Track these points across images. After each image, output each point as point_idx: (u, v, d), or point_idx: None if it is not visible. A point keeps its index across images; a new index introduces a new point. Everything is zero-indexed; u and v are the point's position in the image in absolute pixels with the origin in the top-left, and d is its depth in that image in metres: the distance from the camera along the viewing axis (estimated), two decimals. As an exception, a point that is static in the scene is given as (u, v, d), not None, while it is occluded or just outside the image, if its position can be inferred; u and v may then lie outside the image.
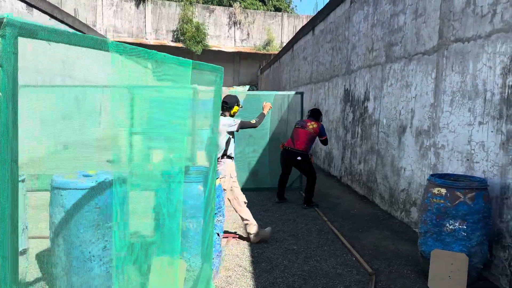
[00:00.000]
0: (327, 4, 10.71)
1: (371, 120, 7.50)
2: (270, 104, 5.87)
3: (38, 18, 11.03)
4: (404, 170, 6.05)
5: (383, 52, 6.99)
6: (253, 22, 29.98)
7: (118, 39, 26.74)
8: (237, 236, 5.22)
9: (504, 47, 4.02)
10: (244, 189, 8.07)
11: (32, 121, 6.97)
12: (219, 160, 4.96)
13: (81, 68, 13.76)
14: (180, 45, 28.23)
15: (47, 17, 11.68)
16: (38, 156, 6.51)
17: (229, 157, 5.08)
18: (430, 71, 5.41)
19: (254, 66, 30.98)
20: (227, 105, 5.15)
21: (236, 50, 29.78)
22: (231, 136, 5.07)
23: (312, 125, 6.74)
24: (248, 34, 29.99)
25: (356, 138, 8.33)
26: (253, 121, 5.33)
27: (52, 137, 8.29)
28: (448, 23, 5.02)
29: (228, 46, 29.67)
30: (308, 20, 15.88)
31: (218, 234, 3.73)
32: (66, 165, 5.76)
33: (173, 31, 28.74)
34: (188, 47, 27.57)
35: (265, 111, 5.65)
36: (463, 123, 4.64)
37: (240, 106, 5.32)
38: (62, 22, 12.70)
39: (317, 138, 6.95)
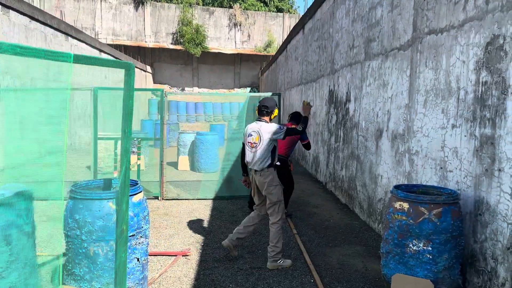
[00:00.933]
0: (315, 0, 10.17)
1: (351, 123, 6.93)
2: (309, 102, 5.39)
3: (16, 20, 10.67)
4: (381, 177, 5.48)
5: (362, 49, 6.43)
6: (254, 23, 29.51)
7: (117, 43, 26.54)
8: (189, 253, 4.69)
9: (478, 38, 3.45)
10: (217, 198, 7.66)
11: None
12: (263, 170, 4.44)
13: None
14: (179, 47, 27.86)
15: (27, 19, 11.33)
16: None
17: (276, 166, 4.58)
18: (405, 68, 4.85)
19: (255, 68, 30.50)
20: (267, 109, 4.58)
21: (237, 52, 29.32)
22: (275, 144, 4.56)
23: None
24: (248, 36, 29.52)
25: (338, 142, 7.76)
26: (299, 128, 4.77)
27: None
28: (422, 13, 4.46)
29: (228, 48, 29.23)
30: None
31: (138, 259, 3.21)
32: None
33: (173, 34, 28.40)
34: (187, 50, 27.19)
35: (305, 112, 4.87)
36: (436, 126, 4.07)
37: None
38: (45, 24, 12.35)
39: (299, 142, 6.37)
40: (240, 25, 29.31)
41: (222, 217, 6.25)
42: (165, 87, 28.42)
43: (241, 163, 4.83)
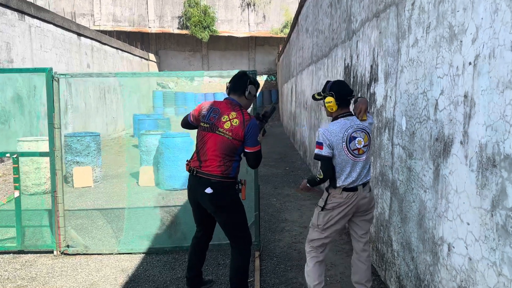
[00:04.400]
0: None
1: (380, 119, 3.83)
2: (366, 104, 3.17)
3: None
4: (450, 249, 2.40)
5: (399, -24, 3.30)
6: (270, 2, 26.25)
7: (117, 29, 23.96)
8: None
9: None
10: (153, 253, 4.35)
11: None
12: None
13: None
14: (185, 32, 25.03)
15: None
16: None
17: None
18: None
19: (272, 53, 27.32)
20: None
21: (250, 35, 26.20)
22: None
23: (230, 121, 3.16)
24: (264, 17, 26.32)
25: (359, 150, 4.66)
26: None
27: None
28: None
29: (241, 31, 26.15)
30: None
31: None
32: None
33: (179, 17, 25.58)
34: (193, 34, 24.31)
35: (361, 116, 3.13)
36: None
37: None
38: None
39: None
40: (254, 5, 26.14)
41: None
42: (173, 78, 25.72)
43: None
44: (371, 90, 4.15)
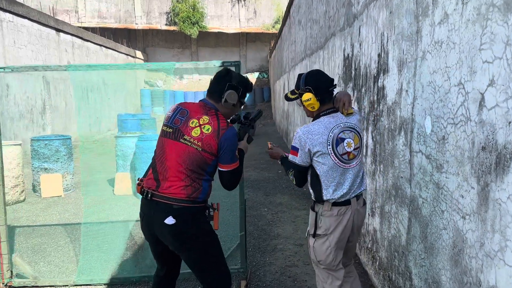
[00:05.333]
0: None
1: (393, 119, 3.10)
2: (348, 96, 2.61)
3: None
4: (511, 307, 1.67)
5: None
6: (260, -3, 25.49)
7: (103, 26, 23.13)
8: None
9: None
10: (118, 283, 3.54)
11: None
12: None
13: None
14: (174, 28, 24.19)
15: None
16: None
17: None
18: None
19: (264, 50, 26.56)
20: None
21: (241, 31, 25.42)
22: None
23: (201, 127, 2.38)
24: (255, 12, 25.54)
25: (363, 155, 3.95)
26: None
27: None
28: None
29: (232, 27, 25.35)
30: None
31: None
32: None
33: (167, 13, 24.72)
34: (182, 30, 23.48)
35: (346, 110, 2.58)
36: None
37: None
38: None
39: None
40: (244, 0, 25.35)
41: None
42: (161, 75, 24.86)
43: None
44: (379, 84, 3.42)
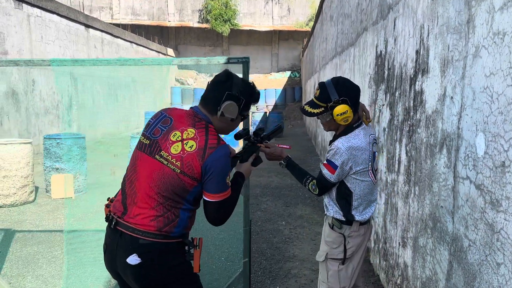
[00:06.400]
0: None
1: (432, 132, 2.48)
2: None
3: None
4: None
5: None
6: (295, -6, 24.83)
7: (135, 23, 23.19)
8: None
9: None
10: None
11: None
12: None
13: None
14: (205, 26, 23.94)
15: None
16: None
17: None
18: None
19: (297, 48, 25.88)
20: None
21: (273, 29, 24.84)
22: None
23: (183, 143, 1.82)
24: (288, 9, 24.91)
25: (395, 172, 3.34)
26: None
27: None
28: None
29: (264, 25, 24.82)
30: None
31: None
32: None
33: (199, 10, 24.49)
34: (213, 28, 23.18)
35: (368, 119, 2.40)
36: None
37: None
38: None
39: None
40: (278, -3, 24.79)
41: None
42: (191, 74, 24.68)
43: None
44: (417, 87, 2.80)
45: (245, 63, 2.97)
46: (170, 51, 23.81)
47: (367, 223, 2.35)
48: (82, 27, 13.55)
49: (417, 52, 2.82)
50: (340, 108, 2.13)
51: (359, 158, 2.19)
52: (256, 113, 15.35)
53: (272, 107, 21.90)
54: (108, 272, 1.97)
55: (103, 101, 14.87)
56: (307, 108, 2.27)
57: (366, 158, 2.22)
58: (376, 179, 2.35)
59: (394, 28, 3.49)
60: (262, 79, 24.82)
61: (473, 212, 1.89)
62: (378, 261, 3.83)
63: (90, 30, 14.12)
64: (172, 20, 24.45)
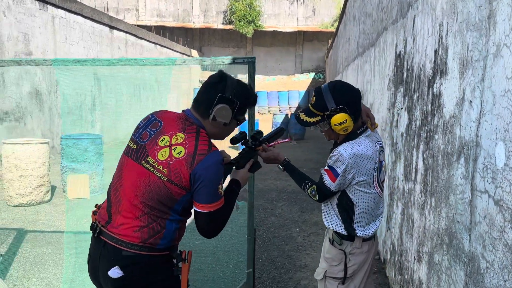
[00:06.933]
0: None
1: (450, 139, 2.26)
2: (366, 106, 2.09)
3: None
4: None
5: None
6: (320, -6, 24.53)
7: (161, 24, 23.42)
8: None
9: None
10: None
11: None
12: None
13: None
14: (229, 27, 23.94)
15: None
16: None
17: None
18: None
19: (321, 49, 25.56)
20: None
21: (297, 30, 24.61)
22: None
23: (170, 149, 1.69)
24: (313, 10, 24.63)
25: (412, 180, 3.12)
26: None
27: None
28: None
29: (289, 26, 24.62)
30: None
31: None
32: None
33: (224, 12, 24.51)
34: (237, 29, 23.15)
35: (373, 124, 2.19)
36: None
37: None
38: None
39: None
40: (303, -2, 24.55)
41: None
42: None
43: None
44: (435, 90, 2.59)
45: (251, 63, 2.84)
46: (194, 53, 23.92)
47: (371, 239, 2.15)
48: (106, 28, 13.71)
49: (436, 51, 2.60)
50: (338, 118, 1.94)
51: (363, 168, 2.01)
52: (278, 115, 15.16)
53: (295, 109, 21.67)
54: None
55: (127, 101, 15.02)
56: (302, 116, 2.09)
57: (371, 168, 2.03)
58: (382, 191, 2.15)
59: (413, 26, 3.27)
60: (285, 80, 24.62)
61: (491, 231, 1.68)
62: (393, 275, 3.60)
63: (114, 31, 14.29)
64: (197, 22, 24.56)
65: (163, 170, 1.66)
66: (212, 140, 1.83)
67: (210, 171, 1.67)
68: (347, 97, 2.00)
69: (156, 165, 1.67)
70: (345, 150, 2.00)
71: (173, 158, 1.66)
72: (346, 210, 2.08)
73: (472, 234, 1.88)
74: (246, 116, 2.11)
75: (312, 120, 2.04)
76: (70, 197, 6.43)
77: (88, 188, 6.48)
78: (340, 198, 2.09)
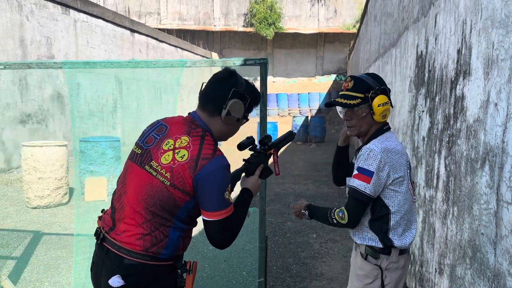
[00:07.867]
0: None
1: (474, 145, 2.11)
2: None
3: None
4: None
5: None
6: (342, -5, 24.26)
7: (182, 27, 23.60)
8: None
9: None
10: None
11: None
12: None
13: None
14: (250, 29, 23.93)
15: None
16: None
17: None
18: None
19: (343, 51, 25.24)
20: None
21: (318, 31, 24.39)
22: None
23: (174, 152, 1.61)
24: (335, 11, 24.37)
25: (433, 188, 2.95)
26: None
27: None
28: None
29: (310, 27, 24.42)
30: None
31: None
32: None
33: (244, 14, 24.51)
34: (257, 31, 23.11)
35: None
36: None
37: None
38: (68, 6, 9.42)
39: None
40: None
41: None
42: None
43: None
44: (457, 92, 2.43)
45: (263, 64, 2.73)
46: (215, 55, 23.99)
47: (407, 251, 1.95)
48: (128, 32, 13.86)
49: (459, 51, 2.44)
50: (380, 99, 1.88)
51: (396, 162, 1.85)
52: (298, 117, 15.00)
53: (315, 111, 21.45)
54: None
55: (147, 104, 15.14)
56: (340, 100, 1.94)
57: (403, 163, 1.88)
58: (414, 195, 1.99)
59: (435, 25, 3.11)
60: (306, 82, 24.42)
61: (519, 247, 1.53)
62: (414, 286, 3.43)
63: (136, 34, 14.43)
64: (218, 25, 24.64)
65: (166, 174, 1.59)
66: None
67: (214, 176, 1.59)
68: (385, 85, 1.96)
69: (159, 169, 1.61)
70: (375, 145, 1.86)
71: (176, 161, 1.59)
72: (380, 218, 1.88)
73: (498, 248, 1.73)
74: (257, 119, 2.02)
75: (352, 102, 1.90)
76: (87, 200, 6.46)
77: (106, 190, 6.50)
78: (372, 208, 1.88)
